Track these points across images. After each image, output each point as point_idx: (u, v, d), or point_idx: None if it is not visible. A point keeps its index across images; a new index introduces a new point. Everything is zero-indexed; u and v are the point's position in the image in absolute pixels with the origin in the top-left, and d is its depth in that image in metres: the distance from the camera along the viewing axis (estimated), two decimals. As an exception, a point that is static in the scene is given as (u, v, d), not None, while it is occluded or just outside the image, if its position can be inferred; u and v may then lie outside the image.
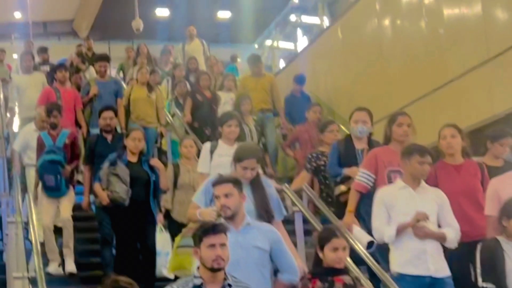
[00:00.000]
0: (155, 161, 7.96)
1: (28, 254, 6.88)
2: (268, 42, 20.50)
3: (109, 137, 8.46)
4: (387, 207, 5.62)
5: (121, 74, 14.87)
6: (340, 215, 7.02)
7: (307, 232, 7.78)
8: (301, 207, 7.50)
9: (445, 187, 5.87)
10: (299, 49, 16.39)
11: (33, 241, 6.76)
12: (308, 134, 9.84)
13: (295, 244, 7.15)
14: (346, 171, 7.06)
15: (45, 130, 8.71)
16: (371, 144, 7.11)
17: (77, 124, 10.31)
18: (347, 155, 7.04)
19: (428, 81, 10.13)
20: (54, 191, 8.23)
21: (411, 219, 5.46)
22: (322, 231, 5.20)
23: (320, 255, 4.98)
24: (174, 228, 7.91)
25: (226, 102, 11.52)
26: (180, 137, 11.15)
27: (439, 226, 5.61)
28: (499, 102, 8.86)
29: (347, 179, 7.10)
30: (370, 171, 6.32)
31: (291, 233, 6.58)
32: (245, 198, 5.06)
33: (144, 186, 7.59)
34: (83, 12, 21.97)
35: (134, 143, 7.65)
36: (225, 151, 6.88)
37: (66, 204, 8.27)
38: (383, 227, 5.59)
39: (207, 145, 7.13)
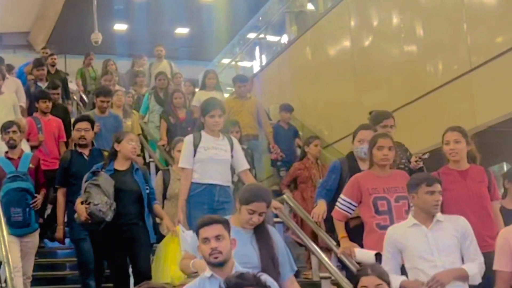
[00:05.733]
0: (157, 210, 6.99)
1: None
2: (228, 60, 20.17)
3: (85, 152, 7.44)
4: (400, 249, 5.12)
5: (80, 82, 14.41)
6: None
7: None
8: (284, 217, 7.24)
9: (449, 194, 5.54)
10: (263, 65, 16.07)
11: (3, 251, 6.36)
12: (309, 172, 9.03)
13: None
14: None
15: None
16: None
17: None
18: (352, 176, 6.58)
19: (407, 93, 9.97)
20: (20, 228, 7.10)
21: None
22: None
23: None
24: None
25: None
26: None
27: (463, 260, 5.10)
28: (481, 114, 8.73)
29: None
30: (352, 199, 5.93)
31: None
32: (235, 244, 4.45)
33: (135, 200, 6.67)
34: (40, 24, 21.64)
35: (132, 145, 6.78)
36: (211, 143, 6.45)
37: (27, 253, 7.14)
38: (391, 275, 4.93)
39: (189, 138, 6.54)
